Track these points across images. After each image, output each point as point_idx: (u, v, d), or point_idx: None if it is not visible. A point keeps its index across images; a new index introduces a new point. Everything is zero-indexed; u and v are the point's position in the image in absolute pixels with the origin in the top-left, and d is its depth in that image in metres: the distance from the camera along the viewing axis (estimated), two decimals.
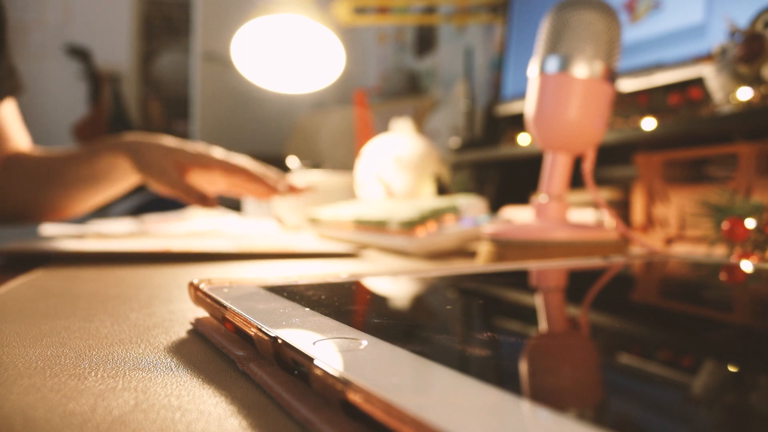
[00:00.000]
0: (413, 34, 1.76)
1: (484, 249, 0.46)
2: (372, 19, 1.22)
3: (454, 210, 0.56)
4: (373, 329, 0.16)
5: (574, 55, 0.43)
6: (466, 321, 0.20)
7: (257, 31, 0.88)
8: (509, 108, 1.01)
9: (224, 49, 1.02)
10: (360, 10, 1.16)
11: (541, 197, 0.47)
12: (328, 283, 0.24)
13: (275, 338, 0.14)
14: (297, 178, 0.89)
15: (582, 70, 0.43)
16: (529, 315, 0.21)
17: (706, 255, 0.42)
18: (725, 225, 0.39)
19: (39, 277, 0.34)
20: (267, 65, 0.95)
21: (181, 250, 0.46)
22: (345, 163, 1.20)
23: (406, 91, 1.71)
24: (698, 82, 0.64)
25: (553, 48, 0.43)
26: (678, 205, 0.61)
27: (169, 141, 0.62)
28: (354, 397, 0.10)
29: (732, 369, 0.13)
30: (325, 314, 0.17)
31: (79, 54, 2.42)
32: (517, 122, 0.94)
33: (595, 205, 0.70)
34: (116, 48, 2.54)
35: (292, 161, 0.97)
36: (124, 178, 0.63)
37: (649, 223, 0.65)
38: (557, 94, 0.43)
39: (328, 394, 0.11)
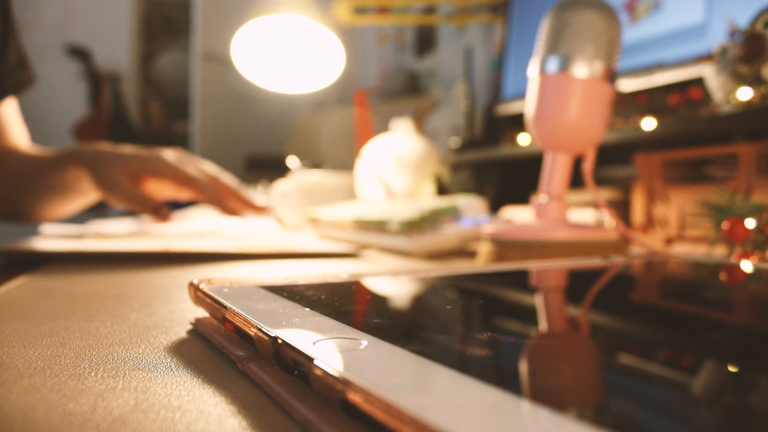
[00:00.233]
0: (413, 34, 1.76)
1: (484, 249, 0.46)
2: (372, 19, 1.22)
3: (454, 210, 0.56)
4: (373, 329, 0.16)
5: (574, 55, 0.43)
6: (466, 321, 0.20)
7: (257, 31, 0.88)
8: (509, 108, 1.01)
9: (224, 49, 1.02)
10: (360, 10, 1.16)
11: (541, 197, 0.47)
12: (328, 283, 0.24)
13: (275, 338, 0.14)
14: (258, 197, 0.90)
15: (582, 70, 0.43)
16: (529, 315, 0.21)
17: (706, 255, 0.42)
18: (725, 225, 0.39)
19: (39, 277, 0.34)
20: (267, 65, 0.95)
21: (181, 250, 0.46)
22: (345, 163, 1.20)
23: (406, 91, 1.71)
24: (698, 82, 0.64)
25: (553, 48, 0.43)
26: (678, 205, 0.61)
27: (124, 149, 0.60)
28: (354, 397, 0.10)
29: (732, 369, 0.13)
30: (325, 314, 0.17)
31: (79, 54, 2.42)
32: (517, 122, 0.94)
33: (595, 205, 0.70)
34: (116, 48, 2.54)
35: (292, 161, 0.97)
36: (88, 193, 0.62)
37: (649, 223, 0.65)
38: (557, 94, 0.43)
39: (328, 394, 0.11)
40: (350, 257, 0.51)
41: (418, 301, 0.23)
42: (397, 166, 0.81)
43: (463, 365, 0.13)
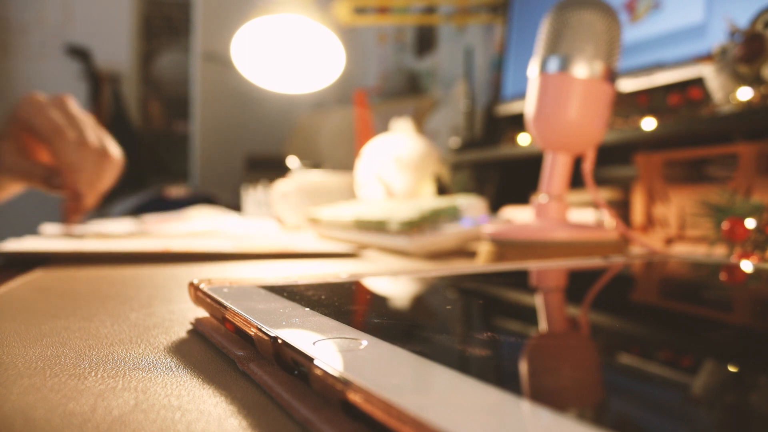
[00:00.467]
0: (413, 34, 1.75)
1: (484, 249, 0.46)
2: (372, 19, 1.22)
3: (454, 210, 0.56)
4: (373, 329, 0.16)
5: (574, 55, 0.43)
6: (466, 321, 0.20)
7: (257, 31, 0.88)
8: (509, 108, 1.01)
9: (224, 49, 1.02)
10: (360, 10, 1.16)
11: (541, 197, 0.47)
12: (328, 283, 0.24)
13: (275, 338, 0.14)
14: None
15: (582, 70, 0.43)
16: (529, 315, 0.21)
17: (706, 255, 0.42)
18: (725, 225, 0.39)
19: (39, 277, 0.34)
20: (267, 65, 0.95)
21: (181, 250, 0.46)
22: (345, 163, 1.20)
23: (406, 91, 1.71)
24: (698, 82, 0.64)
25: (553, 48, 0.43)
26: (678, 205, 0.61)
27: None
28: (354, 397, 0.10)
29: (732, 369, 0.13)
30: (325, 314, 0.17)
31: (79, 54, 2.41)
32: (517, 122, 0.94)
33: (595, 205, 0.70)
34: (116, 48, 2.54)
35: (292, 161, 0.97)
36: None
37: (649, 223, 0.65)
38: (557, 94, 0.43)
39: (328, 394, 0.11)
40: (350, 257, 0.51)
41: (418, 301, 0.23)
42: (397, 166, 0.81)
43: (463, 365, 0.13)
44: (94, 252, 0.43)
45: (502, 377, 0.13)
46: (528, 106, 0.46)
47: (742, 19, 0.57)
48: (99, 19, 2.52)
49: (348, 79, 1.50)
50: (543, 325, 0.19)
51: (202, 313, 0.23)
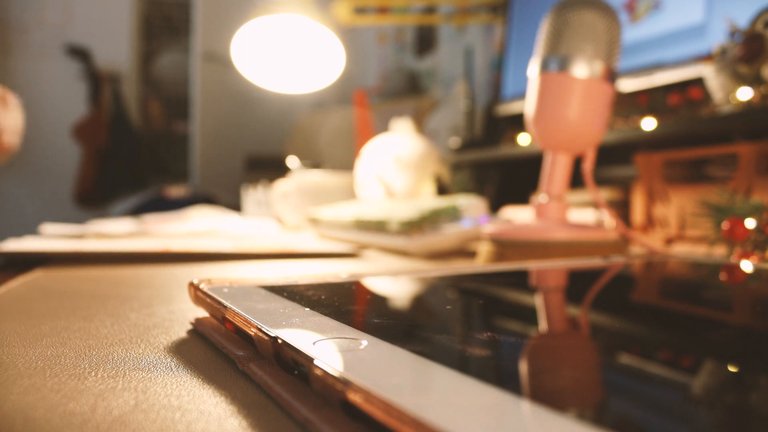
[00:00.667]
0: (413, 34, 1.76)
1: (484, 249, 0.46)
2: (372, 19, 1.22)
3: (454, 210, 0.56)
4: (373, 329, 0.16)
5: (574, 55, 0.43)
6: (466, 321, 0.20)
7: (257, 31, 0.88)
8: (509, 108, 1.01)
9: (224, 49, 1.02)
10: (360, 10, 1.16)
11: (541, 197, 0.47)
12: (328, 283, 0.24)
13: (275, 338, 0.14)
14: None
15: (582, 70, 0.43)
16: (529, 315, 0.21)
17: (706, 255, 0.42)
18: (725, 225, 0.39)
19: (39, 277, 0.34)
20: (267, 65, 0.95)
21: (181, 250, 0.46)
22: (345, 163, 1.20)
23: (406, 91, 1.71)
24: (698, 82, 0.64)
25: (553, 48, 0.43)
26: (678, 205, 0.61)
27: None
28: (354, 397, 0.10)
29: (732, 369, 0.13)
30: (325, 314, 0.17)
31: (79, 54, 2.41)
32: (517, 122, 0.94)
33: (595, 205, 0.70)
34: (116, 48, 2.54)
35: (292, 161, 0.97)
36: None
37: (649, 223, 0.65)
38: (557, 94, 0.43)
39: (328, 394, 0.11)
40: (350, 257, 0.51)
41: (418, 301, 0.23)
42: (397, 166, 0.81)
43: (463, 365, 0.13)
44: (94, 252, 0.43)
45: (502, 377, 0.13)
46: (528, 106, 0.46)
47: (742, 19, 0.57)
48: (99, 19, 2.52)
49: (348, 79, 1.50)
50: (543, 325, 0.19)
51: (202, 313, 0.23)
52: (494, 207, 0.88)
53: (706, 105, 0.60)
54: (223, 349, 0.18)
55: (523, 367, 0.13)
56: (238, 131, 2.32)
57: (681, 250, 0.59)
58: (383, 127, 1.03)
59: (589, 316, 0.20)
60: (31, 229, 0.65)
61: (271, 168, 1.87)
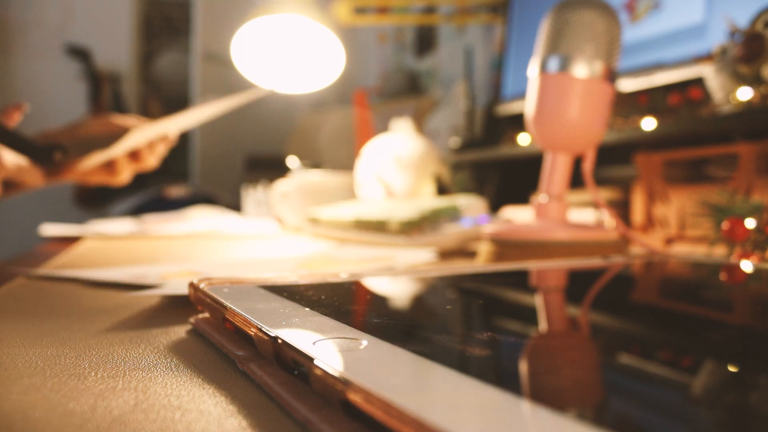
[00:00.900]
0: (413, 34, 1.75)
1: (484, 249, 0.46)
2: (372, 19, 1.22)
3: (454, 210, 0.56)
4: (373, 329, 0.16)
5: (574, 55, 0.43)
6: (465, 321, 0.20)
7: (257, 31, 0.88)
8: (509, 108, 1.01)
9: (224, 49, 1.02)
10: (360, 10, 1.16)
11: (541, 197, 0.47)
12: (328, 283, 0.24)
13: (275, 338, 0.14)
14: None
15: (582, 70, 0.43)
16: (529, 315, 0.21)
17: (706, 255, 0.42)
18: (725, 225, 0.39)
19: (39, 277, 0.34)
20: (267, 65, 0.95)
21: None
22: (345, 163, 1.20)
23: (406, 91, 1.71)
24: (698, 82, 0.64)
25: (553, 48, 0.43)
26: (678, 205, 0.61)
27: None
28: (354, 397, 0.10)
29: (732, 369, 0.13)
30: (325, 314, 0.17)
31: (79, 54, 2.41)
32: (517, 122, 0.94)
33: (595, 205, 0.70)
34: (116, 48, 2.54)
35: (292, 161, 0.97)
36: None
37: (649, 223, 0.65)
38: (557, 94, 0.43)
39: (328, 394, 0.11)
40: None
41: (418, 301, 0.23)
42: (397, 166, 0.81)
43: (463, 365, 0.13)
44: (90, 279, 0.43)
45: (502, 377, 0.13)
46: (528, 106, 0.46)
47: (742, 19, 0.57)
48: (99, 19, 2.52)
49: (348, 79, 1.50)
50: (543, 325, 0.19)
51: (202, 313, 0.23)
52: (494, 207, 0.88)
53: (706, 105, 0.60)
54: (223, 349, 0.17)
55: (523, 367, 0.13)
56: (238, 131, 2.32)
57: (681, 250, 0.59)
58: (383, 127, 1.03)
59: (589, 317, 0.20)
60: (31, 229, 0.65)
61: (271, 168, 1.87)
